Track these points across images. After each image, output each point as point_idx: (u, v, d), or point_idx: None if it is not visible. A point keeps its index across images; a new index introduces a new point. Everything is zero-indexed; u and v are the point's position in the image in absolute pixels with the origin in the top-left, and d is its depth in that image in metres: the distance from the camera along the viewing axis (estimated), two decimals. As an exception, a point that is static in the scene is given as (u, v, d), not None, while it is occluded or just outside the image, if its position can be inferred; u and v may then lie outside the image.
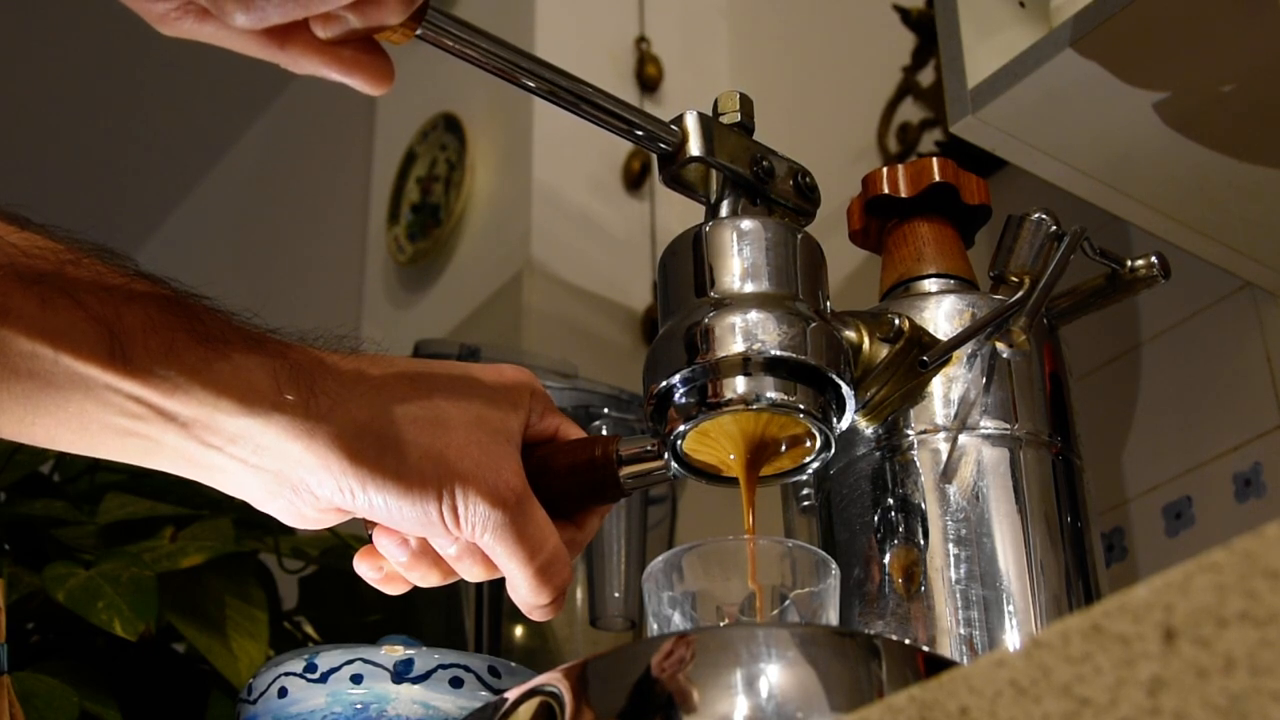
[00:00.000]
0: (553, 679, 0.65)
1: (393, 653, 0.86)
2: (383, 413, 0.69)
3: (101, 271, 0.64)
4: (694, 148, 0.77)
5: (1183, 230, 1.11)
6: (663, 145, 0.78)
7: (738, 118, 0.80)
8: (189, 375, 0.64)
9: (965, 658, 0.79)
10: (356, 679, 0.85)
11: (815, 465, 0.78)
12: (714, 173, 0.79)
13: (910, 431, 0.85)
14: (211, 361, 0.65)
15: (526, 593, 0.73)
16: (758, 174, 0.79)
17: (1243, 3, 0.97)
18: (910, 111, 1.52)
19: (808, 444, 0.76)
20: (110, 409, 0.64)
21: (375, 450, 0.68)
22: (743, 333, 0.73)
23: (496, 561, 0.72)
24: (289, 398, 0.67)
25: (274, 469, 0.68)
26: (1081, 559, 0.85)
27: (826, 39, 1.73)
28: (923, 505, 0.83)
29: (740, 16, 1.88)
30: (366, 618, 1.27)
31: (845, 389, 0.76)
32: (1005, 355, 0.86)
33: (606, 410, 1.25)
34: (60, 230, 0.65)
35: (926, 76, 1.51)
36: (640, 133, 0.77)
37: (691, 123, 0.78)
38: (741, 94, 0.81)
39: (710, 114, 0.80)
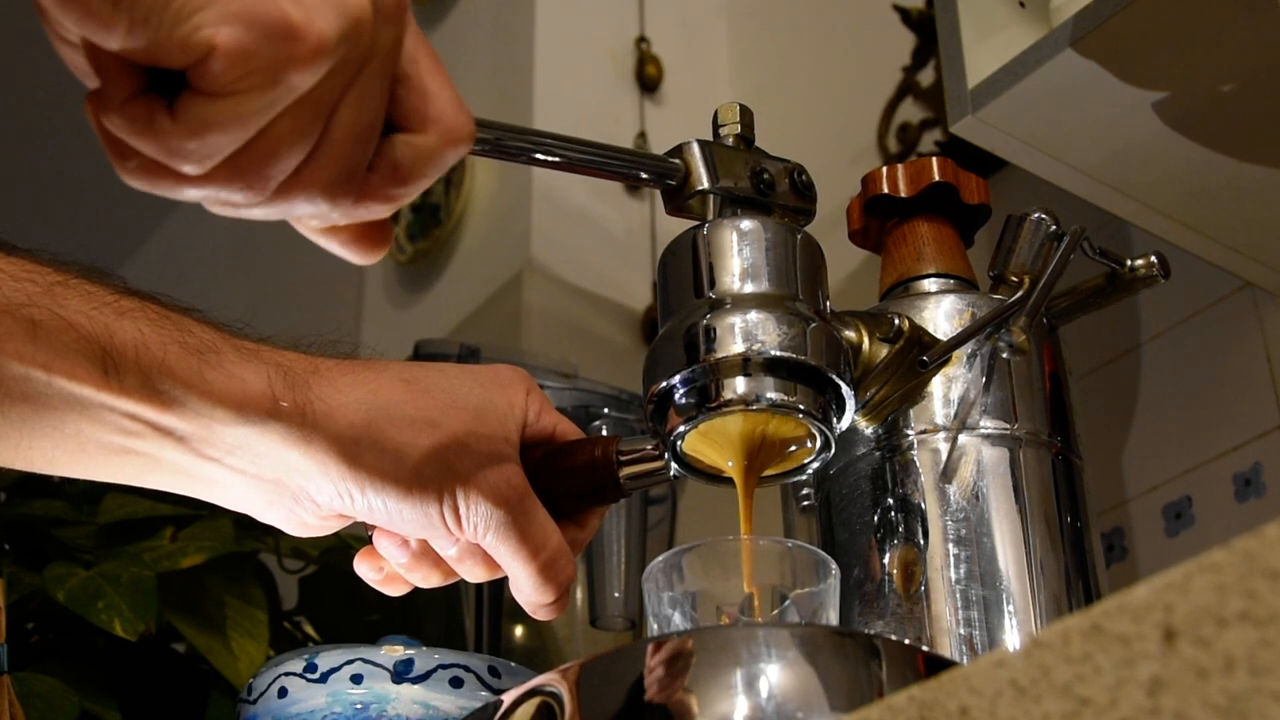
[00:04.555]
0: (552, 679, 0.65)
1: (393, 653, 0.86)
2: (379, 416, 0.69)
3: (90, 291, 0.64)
4: (700, 182, 0.77)
5: (1183, 230, 1.11)
6: (668, 181, 0.77)
7: (738, 129, 0.79)
8: (183, 388, 0.64)
9: (965, 658, 0.79)
10: (356, 679, 0.85)
11: (815, 465, 0.77)
12: (715, 195, 0.79)
13: (910, 431, 0.85)
14: (204, 373, 0.65)
15: (530, 592, 0.73)
16: (760, 188, 0.79)
17: (1243, 3, 0.97)
18: (910, 111, 1.51)
19: (808, 444, 0.76)
20: (106, 428, 0.64)
21: (373, 454, 0.68)
22: (743, 333, 0.73)
23: (500, 561, 0.72)
24: (284, 405, 0.66)
25: (273, 478, 0.68)
26: (1081, 559, 0.85)
27: (826, 39, 1.73)
28: (923, 505, 0.83)
29: (740, 16, 1.88)
30: (366, 618, 1.27)
31: (845, 389, 0.76)
32: (1005, 355, 0.86)
33: (606, 410, 1.25)
34: (46, 253, 0.65)
35: (926, 76, 1.51)
36: (645, 174, 0.77)
37: (693, 154, 0.77)
38: (741, 105, 0.80)
39: (710, 125, 0.80)
